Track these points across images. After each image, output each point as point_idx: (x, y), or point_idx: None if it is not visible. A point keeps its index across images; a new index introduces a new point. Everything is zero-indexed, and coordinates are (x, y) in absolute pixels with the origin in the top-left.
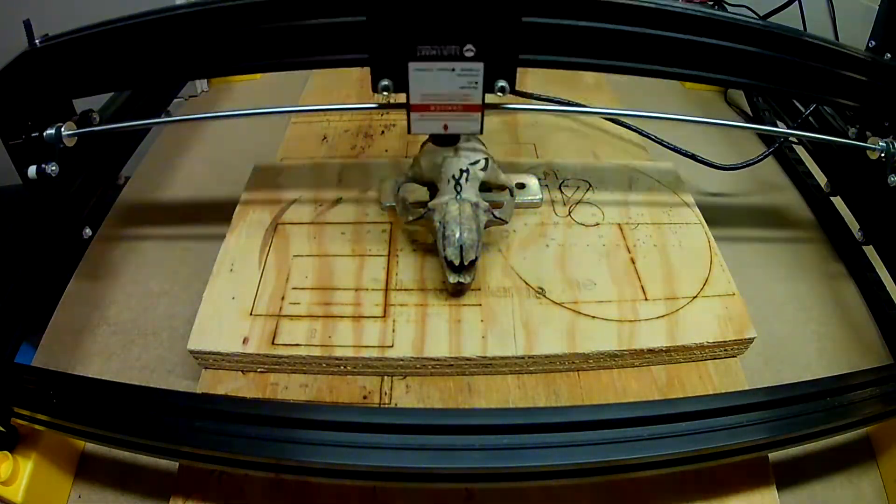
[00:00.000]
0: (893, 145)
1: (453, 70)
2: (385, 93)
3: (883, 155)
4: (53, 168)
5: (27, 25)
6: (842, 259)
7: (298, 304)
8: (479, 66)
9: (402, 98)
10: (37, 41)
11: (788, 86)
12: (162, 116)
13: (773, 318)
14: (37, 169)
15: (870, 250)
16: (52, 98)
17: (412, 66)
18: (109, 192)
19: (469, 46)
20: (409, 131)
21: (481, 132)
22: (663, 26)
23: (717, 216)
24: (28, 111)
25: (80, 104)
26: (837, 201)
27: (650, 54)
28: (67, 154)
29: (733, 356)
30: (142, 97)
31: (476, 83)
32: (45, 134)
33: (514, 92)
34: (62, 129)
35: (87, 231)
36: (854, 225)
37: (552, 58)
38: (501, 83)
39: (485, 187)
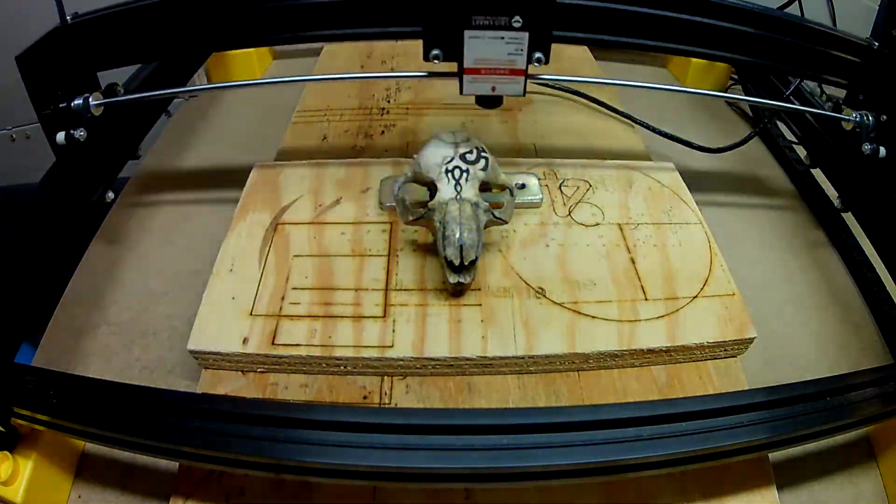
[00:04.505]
0: (867, 117)
1: (502, 38)
2: (436, 61)
3: (857, 126)
4: (81, 133)
5: (59, 3)
6: (822, 226)
7: (298, 304)
8: (525, 35)
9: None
10: (67, 18)
11: (786, 63)
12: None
13: (773, 318)
14: (66, 134)
15: (848, 217)
16: (80, 71)
17: (467, 34)
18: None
19: (517, 18)
20: (461, 92)
21: (524, 95)
22: (679, 8)
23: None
24: (57, 83)
25: (105, 80)
26: (817, 173)
27: (665, 33)
28: (93, 123)
29: (733, 356)
30: (162, 73)
31: (522, 50)
32: (73, 104)
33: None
34: (90, 100)
35: (110, 195)
36: (833, 194)
37: (580, 34)
38: (538, 55)
39: (485, 187)
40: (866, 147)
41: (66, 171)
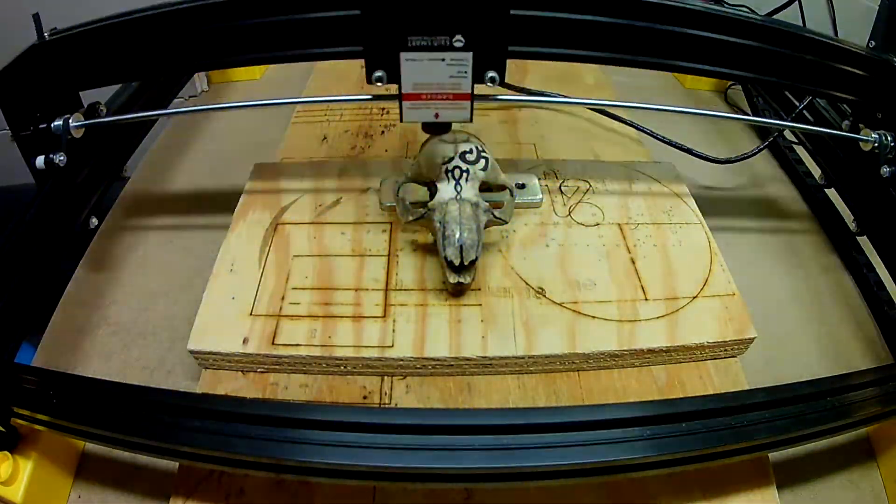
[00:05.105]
0: (886, 137)
1: (443, 60)
2: (379, 83)
3: (876, 147)
4: (61, 158)
5: (36, 19)
6: (836, 250)
7: (298, 304)
8: (468, 55)
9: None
10: (45, 34)
11: (789, 79)
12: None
13: (773, 318)
14: (45, 159)
15: (863, 241)
16: (60, 90)
17: (404, 56)
18: (115, 183)
19: (458, 37)
20: (401, 119)
21: (471, 120)
22: (656, 19)
23: (715, 208)
24: (36, 103)
25: (87, 98)
26: (832, 194)
27: (643, 46)
28: (75, 145)
29: (733, 356)
30: (146, 92)
31: (465, 73)
32: (52, 125)
33: (504, 84)
34: (70, 121)
35: (94, 220)
36: (848, 216)
37: (542, 49)
38: (491, 73)
39: (485, 187)
40: (885, 170)
41: (46, 198)
